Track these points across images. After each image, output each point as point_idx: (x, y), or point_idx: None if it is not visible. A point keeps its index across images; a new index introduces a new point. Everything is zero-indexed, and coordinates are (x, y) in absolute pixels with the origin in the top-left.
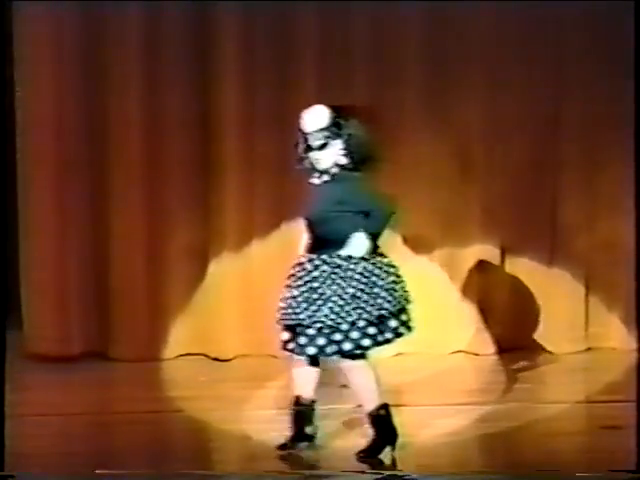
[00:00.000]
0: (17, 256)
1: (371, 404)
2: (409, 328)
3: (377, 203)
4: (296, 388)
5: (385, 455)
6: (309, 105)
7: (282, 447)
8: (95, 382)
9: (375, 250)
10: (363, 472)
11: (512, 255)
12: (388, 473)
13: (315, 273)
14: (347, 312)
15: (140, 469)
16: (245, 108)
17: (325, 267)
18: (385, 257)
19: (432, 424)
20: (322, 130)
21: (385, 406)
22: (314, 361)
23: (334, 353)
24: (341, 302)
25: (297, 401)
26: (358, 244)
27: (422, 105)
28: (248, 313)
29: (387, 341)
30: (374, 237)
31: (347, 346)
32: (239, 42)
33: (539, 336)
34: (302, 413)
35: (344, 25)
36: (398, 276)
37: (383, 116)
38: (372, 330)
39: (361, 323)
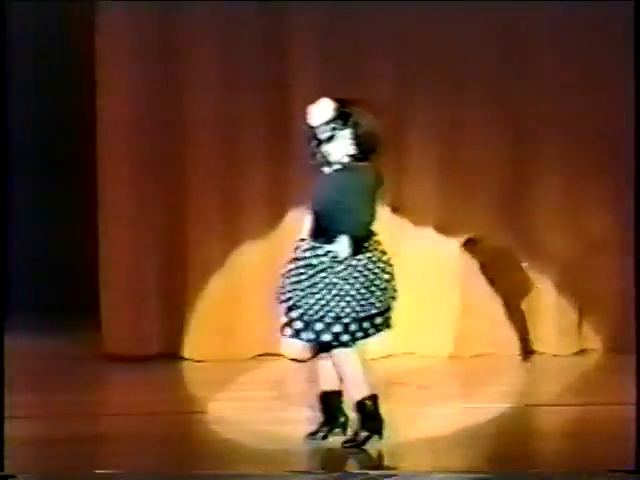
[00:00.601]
0: (96, 257)
1: (358, 393)
2: (389, 325)
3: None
4: (321, 382)
5: (372, 446)
6: (390, 102)
7: (311, 435)
8: (172, 382)
9: (375, 242)
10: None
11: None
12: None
13: (313, 261)
14: (333, 305)
15: (216, 469)
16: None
17: (324, 258)
18: (385, 253)
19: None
20: (328, 123)
21: (373, 397)
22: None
23: (309, 340)
24: (329, 296)
25: (322, 395)
26: (341, 247)
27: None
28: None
29: (366, 337)
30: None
31: (326, 337)
32: (314, 40)
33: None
34: (329, 405)
35: (419, 24)
36: (392, 274)
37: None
38: (354, 327)
39: (346, 319)
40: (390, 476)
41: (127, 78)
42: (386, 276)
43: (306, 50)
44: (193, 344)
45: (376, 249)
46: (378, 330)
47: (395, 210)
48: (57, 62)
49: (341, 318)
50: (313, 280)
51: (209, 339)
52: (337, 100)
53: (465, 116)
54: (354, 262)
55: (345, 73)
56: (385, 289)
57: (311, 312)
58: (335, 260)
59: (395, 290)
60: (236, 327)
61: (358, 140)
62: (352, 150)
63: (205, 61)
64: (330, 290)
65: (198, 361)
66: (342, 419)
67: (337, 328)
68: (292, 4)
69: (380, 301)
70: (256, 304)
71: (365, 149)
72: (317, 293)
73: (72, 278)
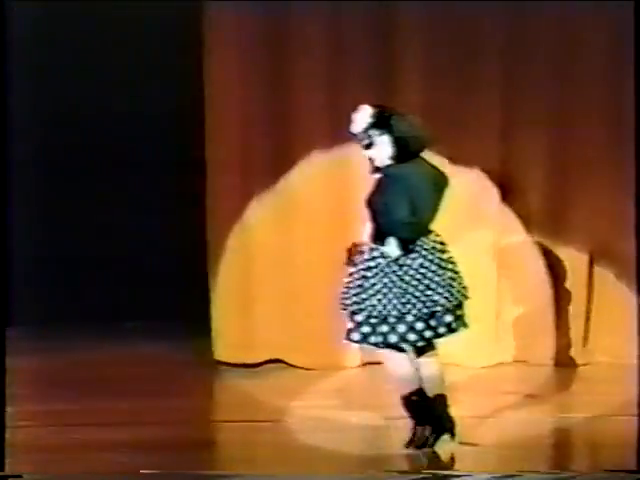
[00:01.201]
0: (206, 266)
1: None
2: (464, 324)
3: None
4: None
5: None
6: (492, 102)
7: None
8: (278, 389)
9: (432, 241)
10: None
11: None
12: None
13: (371, 263)
14: (394, 305)
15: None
16: (426, 106)
17: (381, 260)
18: (445, 251)
19: None
20: (366, 130)
21: (419, 392)
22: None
23: (378, 343)
24: (390, 295)
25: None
26: (390, 248)
27: None
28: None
29: (438, 336)
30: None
31: (392, 338)
32: (420, 39)
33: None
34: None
35: (529, 24)
36: (456, 272)
37: None
38: (420, 325)
39: (409, 318)
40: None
41: (235, 75)
42: (449, 274)
43: (413, 47)
44: (302, 352)
45: (434, 248)
46: (451, 329)
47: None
48: (165, 60)
49: (404, 317)
50: (372, 281)
51: (318, 346)
52: (376, 106)
53: None
54: (409, 261)
55: (450, 71)
56: (449, 287)
57: (375, 314)
58: (390, 261)
59: (464, 287)
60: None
61: (397, 143)
62: (393, 154)
63: (311, 56)
64: (390, 289)
65: (307, 369)
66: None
67: (402, 328)
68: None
69: (445, 298)
70: None
71: (406, 152)
72: (377, 294)
73: (184, 286)
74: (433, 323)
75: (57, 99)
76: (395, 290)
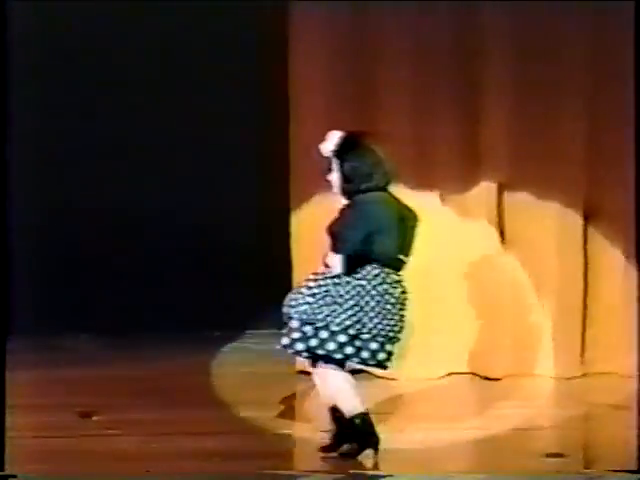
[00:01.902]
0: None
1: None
2: (384, 362)
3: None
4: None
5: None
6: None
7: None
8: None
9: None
10: None
11: None
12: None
13: (321, 282)
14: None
15: None
16: (514, 114)
17: (329, 281)
18: (398, 289)
19: None
20: (329, 154)
21: (361, 415)
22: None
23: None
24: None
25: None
26: (334, 263)
27: None
28: (518, 331)
29: (363, 362)
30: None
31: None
32: (508, 47)
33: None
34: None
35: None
36: (399, 309)
37: None
38: (343, 338)
39: (342, 338)
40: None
41: (320, 76)
42: (390, 307)
43: (498, 50)
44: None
45: (395, 278)
46: (375, 358)
47: None
48: (250, 61)
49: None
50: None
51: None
52: (350, 133)
53: None
54: (355, 282)
55: (534, 75)
56: (386, 318)
57: (319, 325)
58: (337, 281)
59: (398, 328)
60: (431, 344)
61: (347, 175)
62: (343, 183)
63: (396, 60)
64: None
65: (390, 379)
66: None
67: (343, 338)
68: (484, 4)
69: (378, 325)
70: (451, 320)
71: (359, 183)
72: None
73: (268, 295)
74: (357, 344)
75: (137, 102)
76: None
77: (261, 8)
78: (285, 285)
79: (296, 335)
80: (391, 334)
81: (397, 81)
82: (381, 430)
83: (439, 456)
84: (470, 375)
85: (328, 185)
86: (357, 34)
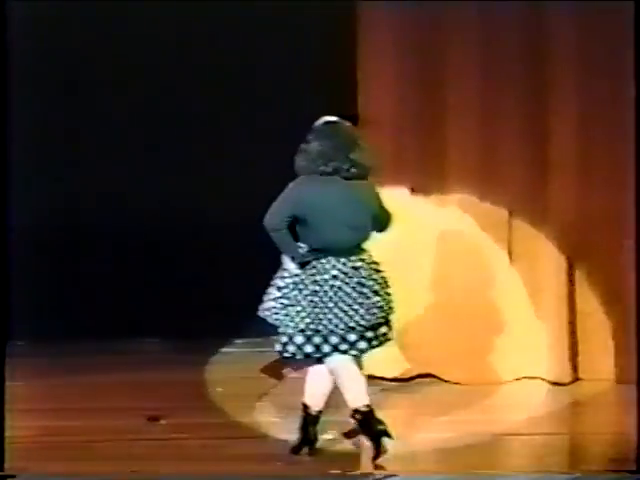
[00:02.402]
0: None
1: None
2: (381, 341)
3: None
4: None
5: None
6: None
7: (295, 450)
8: (430, 404)
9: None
10: None
11: None
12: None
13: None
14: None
15: None
16: (580, 109)
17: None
18: (366, 271)
19: None
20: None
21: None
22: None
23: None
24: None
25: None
26: (286, 262)
27: None
28: (585, 336)
29: (339, 351)
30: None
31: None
32: (574, 43)
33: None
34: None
35: None
36: (377, 292)
37: None
38: (317, 340)
39: (308, 332)
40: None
41: (389, 77)
42: (364, 290)
43: (566, 52)
44: (455, 366)
45: (344, 264)
46: (356, 348)
47: None
48: (319, 60)
49: (304, 330)
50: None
51: (470, 361)
52: (339, 116)
53: None
54: (311, 278)
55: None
56: (359, 307)
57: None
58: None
59: (381, 308)
60: (494, 349)
61: (298, 155)
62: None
63: (465, 60)
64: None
65: (456, 383)
66: (312, 435)
67: (317, 340)
68: (551, 4)
69: (350, 317)
70: (512, 324)
71: (304, 166)
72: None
73: None
74: (334, 340)
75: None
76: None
77: (329, 8)
78: None
79: (284, 339)
80: (352, 323)
81: (465, 80)
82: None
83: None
84: (539, 380)
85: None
86: (425, 33)
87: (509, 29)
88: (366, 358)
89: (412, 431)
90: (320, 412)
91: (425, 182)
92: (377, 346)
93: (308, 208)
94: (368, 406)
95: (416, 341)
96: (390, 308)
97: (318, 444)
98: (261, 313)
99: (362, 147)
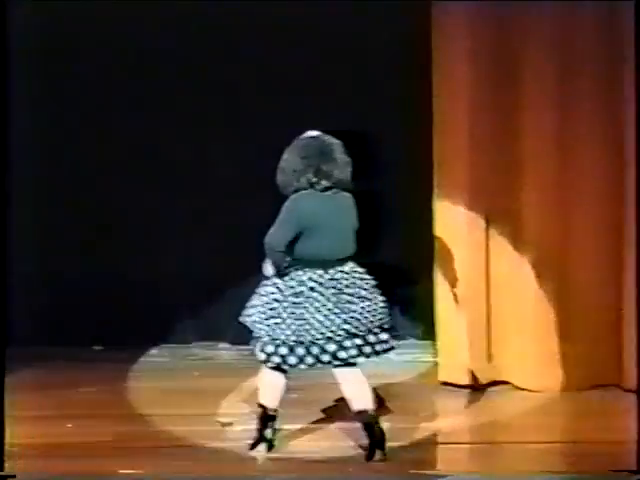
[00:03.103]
0: (432, 285)
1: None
2: (356, 355)
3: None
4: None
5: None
6: None
7: (252, 447)
8: (503, 410)
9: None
10: None
11: None
12: None
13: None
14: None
15: None
16: None
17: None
18: (350, 280)
19: None
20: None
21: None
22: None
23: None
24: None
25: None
26: (265, 267)
27: None
28: None
29: (322, 363)
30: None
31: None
32: None
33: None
34: (268, 419)
35: None
36: (362, 299)
37: None
38: (301, 351)
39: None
40: None
41: (463, 78)
42: (343, 300)
43: None
44: (531, 374)
45: (320, 276)
46: (337, 358)
47: None
48: (393, 62)
49: (285, 342)
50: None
51: (546, 369)
52: (323, 132)
53: None
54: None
55: None
56: (342, 314)
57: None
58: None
59: (372, 313)
60: (569, 356)
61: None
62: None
63: (540, 62)
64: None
65: (534, 391)
66: (269, 434)
67: (284, 351)
68: (627, 3)
69: (326, 328)
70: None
71: (286, 181)
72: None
73: (412, 305)
74: (315, 351)
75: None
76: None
77: (403, 8)
78: (428, 298)
79: (269, 349)
80: (329, 334)
81: (541, 81)
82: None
83: None
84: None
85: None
86: (499, 34)
87: (584, 29)
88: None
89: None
90: (276, 411)
91: (501, 202)
92: (373, 353)
93: (307, 223)
94: (373, 411)
95: (490, 348)
96: (380, 315)
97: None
98: (242, 319)
99: (335, 159)
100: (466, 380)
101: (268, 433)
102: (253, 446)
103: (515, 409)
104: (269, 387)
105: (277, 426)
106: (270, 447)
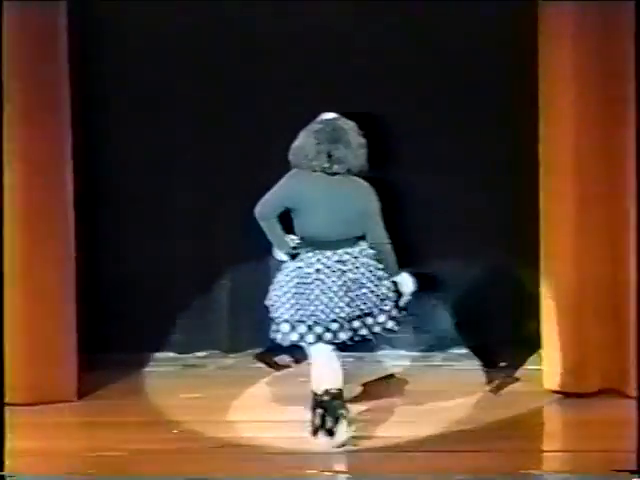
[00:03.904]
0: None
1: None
2: (373, 331)
3: None
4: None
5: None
6: None
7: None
8: (611, 419)
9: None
10: None
11: None
12: None
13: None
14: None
15: None
16: None
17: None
18: (342, 262)
19: None
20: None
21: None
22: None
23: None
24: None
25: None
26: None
27: None
28: None
29: (336, 338)
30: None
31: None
32: None
33: None
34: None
35: None
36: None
37: None
38: (303, 328)
39: (308, 321)
40: None
41: (569, 73)
42: (348, 283)
43: None
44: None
45: (328, 258)
46: (358, 334)
47: None
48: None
49: (304, 321)
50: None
51: None
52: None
53: None
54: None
55: None
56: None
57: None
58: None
59: (375, 296)
60: None
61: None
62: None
63: None
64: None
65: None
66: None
67: (302, 329)
68: None
69: (349, 307)
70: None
71: (295, 160)
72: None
73: (515, 313)
74: (318, 330)
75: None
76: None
77: (510, 7)
78: (533, 305)
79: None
80: (333, 315)
81: None
82: None
83: None
84: None
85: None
86: (608, 33)
87: None
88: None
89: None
90: (327, 394)
91: (604, 190)
92: (369, 335)
93: (297, 201)
94: (340, 390)
95: (598, 356)
96: (382, 299)
97: None
98: (267, 302)
99: (349, 144)
100: (573, 387)
101: (324, 421)
102: (314, 432)
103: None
104: (313, 371)
105: (341, 412)
106: (330, 434)
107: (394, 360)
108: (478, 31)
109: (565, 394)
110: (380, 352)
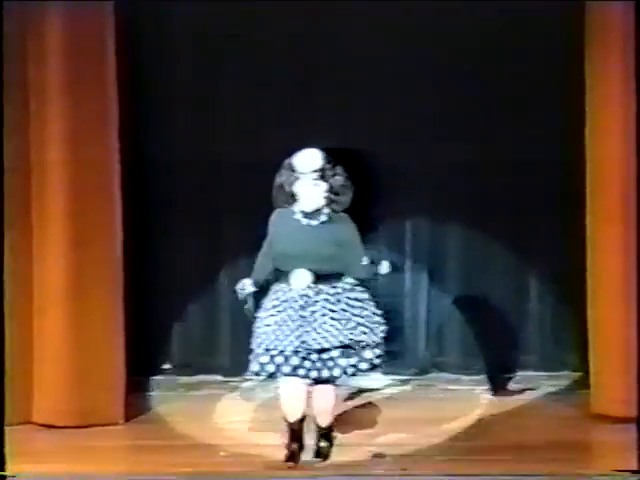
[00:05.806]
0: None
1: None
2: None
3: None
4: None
5: None
6: None
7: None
8: None
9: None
10: None
11: None
12: None
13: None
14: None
15: None
16: None
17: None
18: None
19: None
20: (315, 172)
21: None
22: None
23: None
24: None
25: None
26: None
27: None
28: None
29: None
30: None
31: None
32: None
33: None
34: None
35: None
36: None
37: None
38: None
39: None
40: None
41: (615, 78)
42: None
43: None
44: None
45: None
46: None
47: None
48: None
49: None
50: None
51: None
52: (324, 151)
53: None
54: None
55: None
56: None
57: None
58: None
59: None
60: None
61: (334, 193)
62: (329, 202)
63: None
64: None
65: None
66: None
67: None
68: None
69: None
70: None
71: (340, 203)
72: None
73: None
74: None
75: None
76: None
77: (557, 8)
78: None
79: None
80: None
81: None
82: None
83: None
84: None
85: None
86: None
87: None
88: None
89: None
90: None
91: None
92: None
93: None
94: (301, 420)
95: None
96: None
97: None
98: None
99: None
100: (621, 412)
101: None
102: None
103: None
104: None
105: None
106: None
107: (444, 384)
108: (524, 33)
109: (613, 419)
110: (424, 376)
